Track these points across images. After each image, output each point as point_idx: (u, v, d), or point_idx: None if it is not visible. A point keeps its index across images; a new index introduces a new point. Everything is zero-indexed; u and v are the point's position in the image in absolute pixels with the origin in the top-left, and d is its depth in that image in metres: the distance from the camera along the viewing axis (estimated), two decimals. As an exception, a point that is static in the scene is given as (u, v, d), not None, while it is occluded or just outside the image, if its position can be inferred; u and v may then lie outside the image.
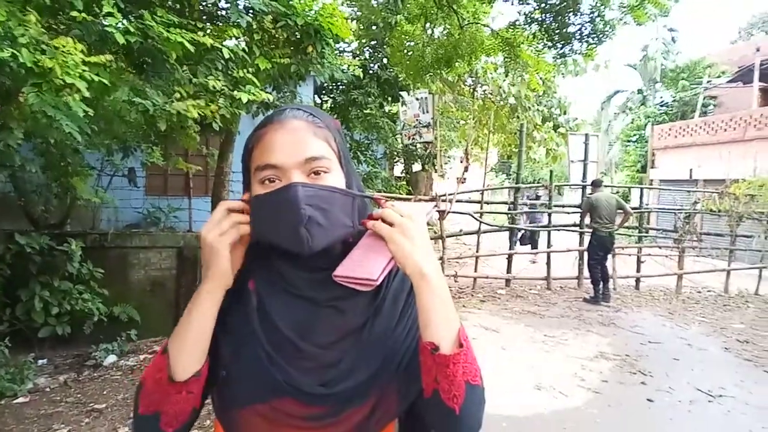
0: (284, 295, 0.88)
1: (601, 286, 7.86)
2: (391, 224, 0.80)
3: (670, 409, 4.12)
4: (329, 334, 0.87)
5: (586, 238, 9.25)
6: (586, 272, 8.89)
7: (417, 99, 8.71)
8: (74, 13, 3.01)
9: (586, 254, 8.42)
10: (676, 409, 4.13)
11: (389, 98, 10.85)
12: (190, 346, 0.83)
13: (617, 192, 12.93)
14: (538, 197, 16.75)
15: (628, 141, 23.45)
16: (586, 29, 7.02)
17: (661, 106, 23.98)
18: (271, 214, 0.83)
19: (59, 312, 4.64)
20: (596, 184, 8.25)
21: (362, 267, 0.81)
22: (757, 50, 18.31)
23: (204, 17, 4.66)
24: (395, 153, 10.49)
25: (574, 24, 7.07)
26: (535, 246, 10.58)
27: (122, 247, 5.53)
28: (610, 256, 8.15)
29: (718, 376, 4.85)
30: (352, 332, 0.88)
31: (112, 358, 4.80)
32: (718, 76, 21.63)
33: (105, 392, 4.17)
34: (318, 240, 0.82)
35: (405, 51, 9.59)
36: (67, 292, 4.70)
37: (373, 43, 11.10)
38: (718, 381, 4.71)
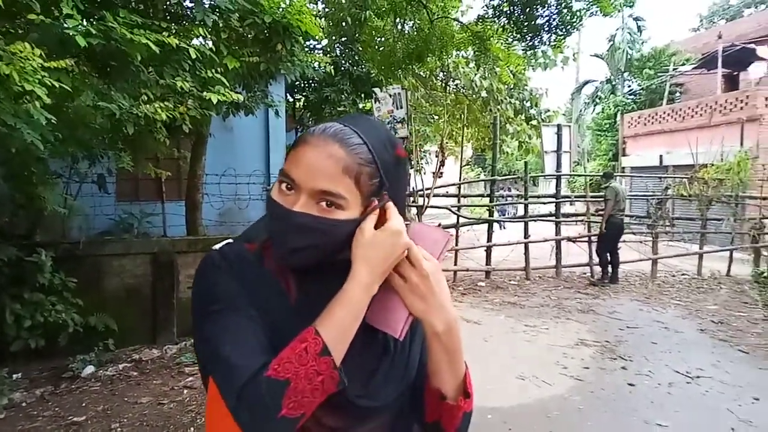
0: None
1: (609, 269, 8.45)
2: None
3: (650, 392, 4.20)
4: (361, 331, 0.80)
5: (563, 228, 9.44)
6: (564, 261, 9.05)
7: (390, 95, 8.64)
8: (32, 16, 2.89)
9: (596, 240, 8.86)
10: (656, 392, 4.21)
11: (362, 95, 10.79)
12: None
13: (592, 180, 13.20)
14: (509, 189, 17.03)
15: (599, 130, 23.82)
16: (553, 21, 7.11)
17: (630, 94, 24.40)
18: (273, 221, 0.83)
19: (32, 324, 4.46)
20: (609, 176, 8.88)
21: (385, 319, 0.83)
22: (719, 37, 18.74)
23: (168, 17, 4.53)
24: (371, 150, 10.45)
25: (542, 16, 7.15)
26: None
27: (95, 255, 5.37)
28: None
29: (695, 358, 4.96)
30: (375, 335, 0.86)
31: (90, 369, 4.67)
32: (683, 64, 22.09)
33: (84, 404, 4.05)
34: (296, 263, 0.82)
35: (376, 47, 9.55)
36: (39, 304, 4.52)
37: (343, 39, 11.00)
38: (695, 362, 4.82)
